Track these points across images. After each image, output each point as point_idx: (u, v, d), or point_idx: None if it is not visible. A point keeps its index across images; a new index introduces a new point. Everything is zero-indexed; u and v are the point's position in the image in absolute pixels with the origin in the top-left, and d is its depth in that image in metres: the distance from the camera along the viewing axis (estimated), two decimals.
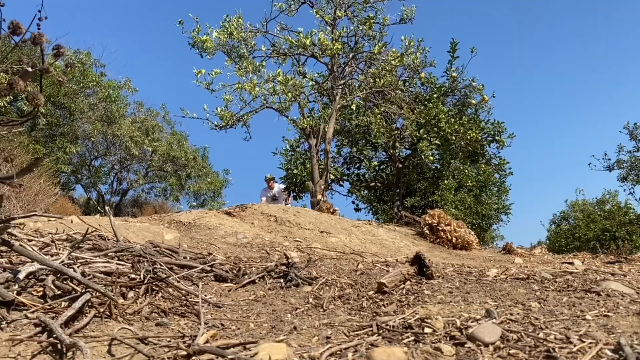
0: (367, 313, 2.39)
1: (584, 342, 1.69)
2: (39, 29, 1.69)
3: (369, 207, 16.45)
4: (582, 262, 4.91)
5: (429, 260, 3.37)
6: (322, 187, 12.60)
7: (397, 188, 14.74)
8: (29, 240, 3.14)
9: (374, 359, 1.53)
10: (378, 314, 2.31)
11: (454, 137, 13.21)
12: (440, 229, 9.14)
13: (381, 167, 15.50)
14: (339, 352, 1.69)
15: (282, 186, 13.71)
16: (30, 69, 1.77)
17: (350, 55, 13.31)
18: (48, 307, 2.04)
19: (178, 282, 2.88)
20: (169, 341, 1.85)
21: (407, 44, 13.20)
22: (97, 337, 1.85)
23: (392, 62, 12.91)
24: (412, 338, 1.84)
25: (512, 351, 1.63)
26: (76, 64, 14.83)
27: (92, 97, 16.34)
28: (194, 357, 1.61)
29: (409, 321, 2.05)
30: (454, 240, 8.97)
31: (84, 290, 2.15)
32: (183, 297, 2.60)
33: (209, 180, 21.50)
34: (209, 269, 3.40)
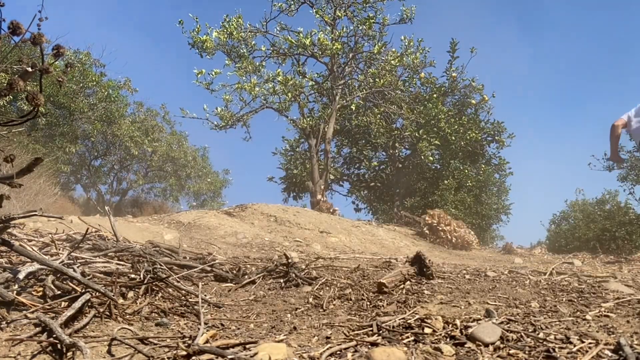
0: (367, 313, 2.39)
1: (584, 342, 1.69)
2: (39, 29, 1.69)
3: (369, 207, 16.44)
4: (582, 262, 4.92)
5: (429, 260, 3.37)
6: (322, 187, 12.60)
7: (397, 188, 14.75)
8: (29, 240, 3.15)
9: (374, 359, 1.53)
10: (378, 314, 2.31)
11: (453, 137, 13.21)
12: (440, 229, 9.15)
13: (381, 167, 15.49)
14: (339, 352, 1.69)
15: None
16: (30, 69, 1.77)
17: (350, 55, 13.31)
18: (48, 307, 2.04)
19: (178, 282, 2.88)
20: (169, 341, 1.85)
21: (406, 44, 13.21)
22: (97, 337, 1.85)
23: (392, 62, 12.91)
24: (412, 338, 1.84)
25: (512, 351, 1.63)
26: (76, 64, 14.83)
27: (92, 97, 16.34)
28: (194, 357, 1.61)
29: (409, 321, 2.05)
30: (454, 240, 8.97)
31: (83, 290, 2.15)
32: (183, 297, 2.60)
33: (208, 180, 21.51)
34: (209, 269, 3.40)
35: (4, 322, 1.84)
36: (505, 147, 14.46)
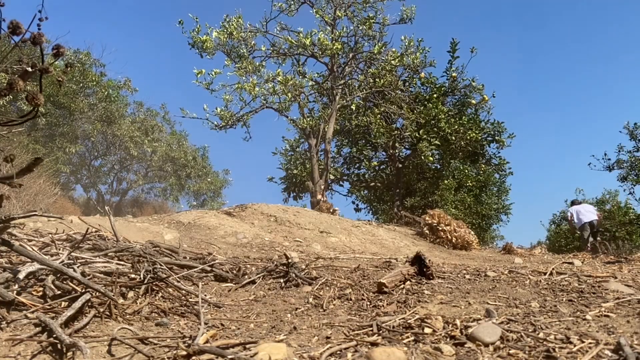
0: (367, 313, 2.39)
1: (584, 342, 1.69)
2: (39, 29, 1.69)
3: (369, 207, 16.45)
4: (582, 262, 4.92)
5: (429, 260, 3.37)
6: (322, 187, 12.60)
7: (397, 188, 14.75)
8: (29, 240, 3.14)
9: (373, 359, 1.53)
10: (378, 314, 2.31)
11: (453, 137, 13.21)
12: (440, 229, 9.15)
13: (381, 167, 15.50)
14: (338, 352, 1.69)
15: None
16: (30, 69, 1.77)
17: (350, 55, 13.32)
18: (48, 307, 2.04)
19: (178, 282, 2.88)
20: (169, 341, 1.85)
21: (407, 44, 13.22)
22: (97, 337, 1.85)
23: (392, 62, 12.91)
24: (412, 338, 1.84)
25: (512, 351, 1.63)
26: (76, 64, 14.83)
27: (92, 97, 16.34)
28: (194, 357, 1.61)
29: (409, 321, 2.05)
30: (454, 240, 8.97)
31: (83, 290, 2.15)
32: (183, 297, 2.60)
33: (208, 180, 21.52)
34: (209, 269, 3.40)
35: (4, 322, 1.84)
36: (505, 147, 14.49)
